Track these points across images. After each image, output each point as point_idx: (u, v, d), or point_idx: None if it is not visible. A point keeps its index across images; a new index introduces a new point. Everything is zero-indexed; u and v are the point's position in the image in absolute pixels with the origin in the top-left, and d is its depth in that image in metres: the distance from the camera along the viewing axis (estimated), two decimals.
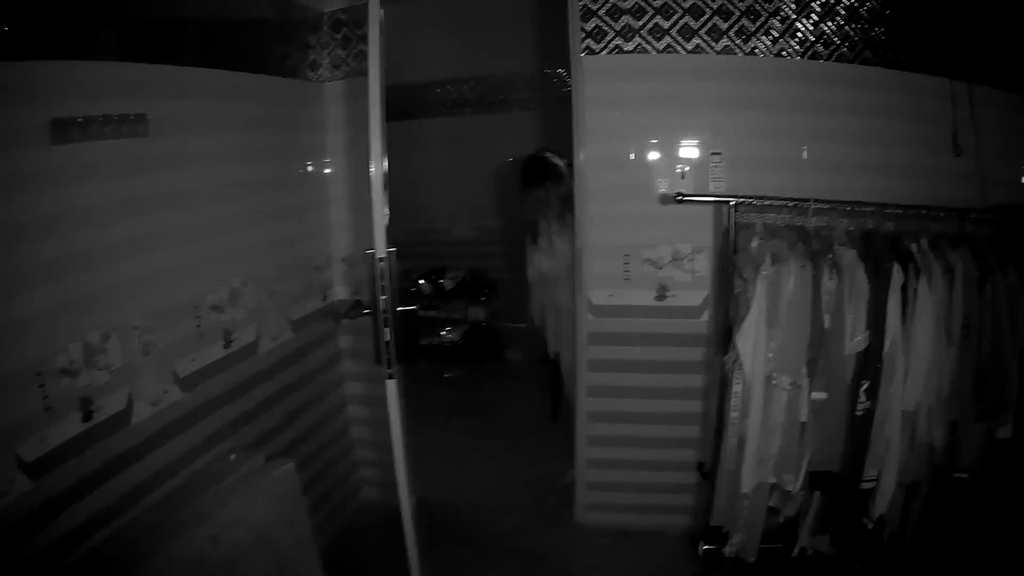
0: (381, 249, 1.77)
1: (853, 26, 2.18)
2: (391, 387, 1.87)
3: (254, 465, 1.95)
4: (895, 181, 2.22)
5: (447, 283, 4.53)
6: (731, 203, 2.04)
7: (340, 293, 2.65)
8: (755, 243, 1.99)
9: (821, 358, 1.93)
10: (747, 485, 1.98)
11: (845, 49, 2.19)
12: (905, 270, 1.95)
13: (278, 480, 1.93)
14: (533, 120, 4.35)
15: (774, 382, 1.94)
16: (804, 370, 1.93)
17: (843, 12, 2.17)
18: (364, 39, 2.27)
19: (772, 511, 2.16)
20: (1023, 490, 2.21)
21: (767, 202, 2.04)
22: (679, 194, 2.07)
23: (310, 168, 2.52)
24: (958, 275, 1.99)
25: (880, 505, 2.04)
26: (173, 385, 1.83)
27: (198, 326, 1.92)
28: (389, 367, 1.86)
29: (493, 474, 3.13)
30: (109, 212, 1.62)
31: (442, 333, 4.57)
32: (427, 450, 3.18)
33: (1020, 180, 2.29)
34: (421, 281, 4.56)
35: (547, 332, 3.02)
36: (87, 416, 1.55)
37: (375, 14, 1.73)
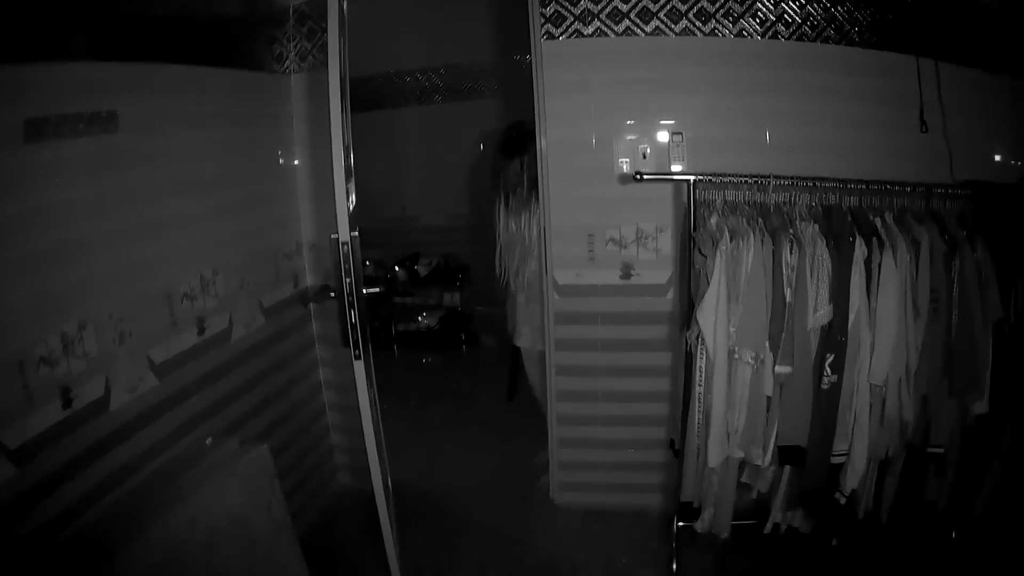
0: (344, 233, 1.93)
1: (815, 5, 2.31)
2: (359, 369, 2.02)
3: (229, 449, 2.14)
4: (861, 161, 2.36)
5: (421, 269, 4.78)
6: (690, 180, 2.16)
7: (311, 280, 2.85)
8: (714, 219, 2.13)
9: (784, 332, 2.05)
10: (714, 459, 2.12)
11: (807, 28, 2.32)
12: (868, 244, 2.07)
13: (252, 463, 2.12)
14: (502, 107, 4.59)
15: (736, 356, 2.08)
16: (767, 344, 2.06)
17: None
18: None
19: (746, 487, 2.32)
20: (999, 465, 2.40)
21: (727, 179, 2.16)
22: (638, 173, 2.19)
23: (279, 159, 2.71)
24: (924, 249, 2.10)
25: (851, 480, 2.15)
26: (149, 372, 2.01)
27: (171, 315, 2.11)
28: (356, 349, 2.04)
29: (468, 457, 3.36)
30: (83, 207, 1.80)
31: (418, 319, 4.83)
32: (403, 435, 3.41)
33: (988, 157, 2.41)
34: (396, 268, 4.81)
35: (508, 313, 3.18)
36: (67, 403, 1.72)
37: (334, 6, 1.94)
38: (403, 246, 5.00)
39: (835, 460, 2.16)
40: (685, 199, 2.19)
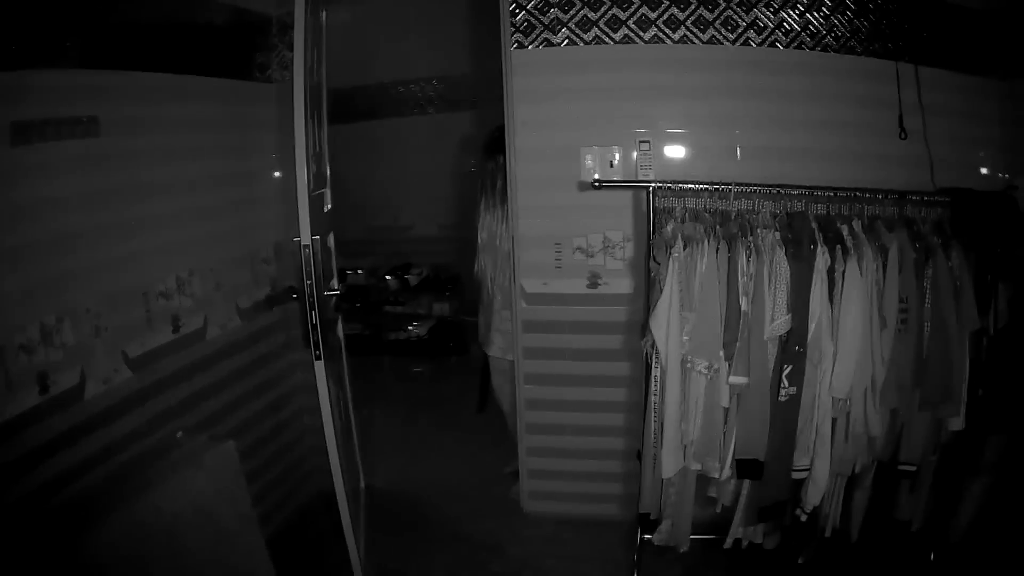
0: (306, 236, 2.02)
1: (790, 11, 2.31)
2: (319, 369, 2.13)
3: (196, 443, 2.23)
4: (838, 166, 2.35)
5: (411, 279, 4.88)
6: (649, 188, 2.17)
7: (287, 284, 2.93)
8: (670, 226, 2.11)
9: (739, 341, 2.04)
10: (668, 471, 2.09)
11: (779, 34, 2.32)
12: (832, 252, 2.04)
13: (218, 457, 2.20)
14: (492, 117, 4.66)
15: (688, 365, 2.06)
16: (721, 353, 2.04)
17: None
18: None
19: (711, 500, 2.29)
20: (982, 483, 2.31)
21: (687, 187, 2.16)
22: (596, 181, 2.22)
23: (258, 164, 2.81)
24: (892, 256, 2.05)
25: (813, 496, 2.11)
26: (123, 365, 2.13)
27: (147, 311, 2.23)
28: (316, 349, 2.11)
29: (447, 464, 3.41)
30: (64, 205, 1.93)
31: (408, 328, 4.91)
32: (385, 441, 3.54)
33: (972, 164, 2.37)
34: (387, 277, 4.91)
35: (480, 321, 3.19)
36: (43, 389, 1.85)
37: (300, 18, 2.05)
38: (395, 255, 5.11)
39: (796, 475, 2.12)
40: (644, 206, 2.20)
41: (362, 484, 3.11)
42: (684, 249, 2.06)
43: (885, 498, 2.25)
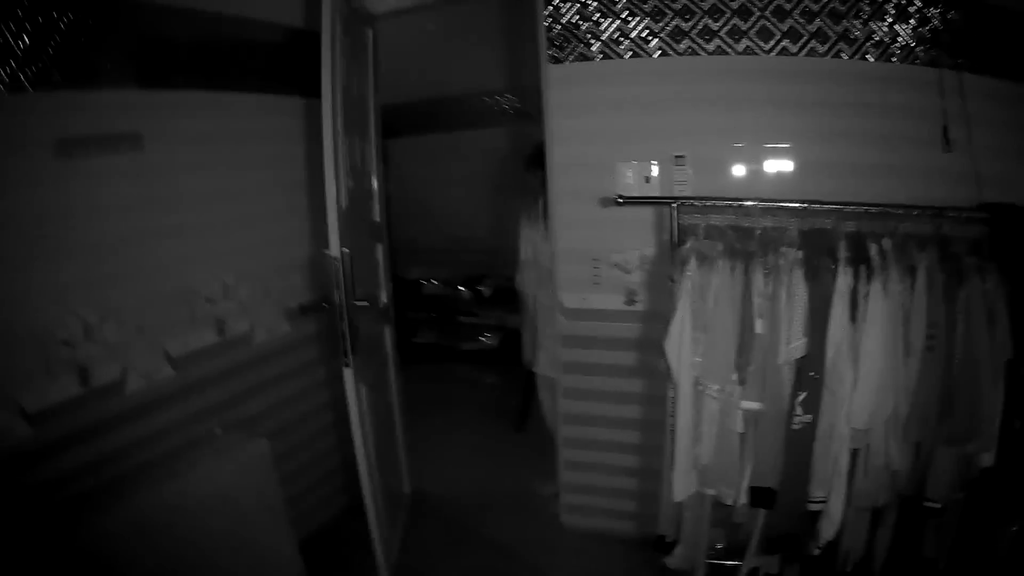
0: (335, 249, 2.15)
1: (826, 19, 2.23)
2: (348, 376, 2.23)
3: (232, 439, 2.41)
4: (879, 182, 2.24)
5: (484, 290, 4.94)
6: (673, 205, 2.17)
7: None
8: (688, 244, 2.10)
9: (752, 365, 2.02)
10: (680, 494, 2.08)
11: (816, 43, 2.25)
12: (856, 272, 1.98)
13: (250, 451, 2.36)
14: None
15: (700, 388, 2.05)
16: (734, 377, 2.02)
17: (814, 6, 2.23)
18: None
19: (736, 526, 2.27)
20: (1018, 526, 2.18)
21: (710, 203, 2.15)
22: (620, 196, 2.23)
23: (304, 175, 2.86)
24: (920, 278, 1.97)
25: (827, 530, 2.05)
26: (165, 363, 2.30)
27: (191, 313, 2.39)
28: (346, 357, 2.22)
29: (498, 472, 3.47)
30: (109, 212, 2.11)
31: (481, 338, 5.00)
32: (442, 447, 3.66)
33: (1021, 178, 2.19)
34: (461, 287, 5.00)
35: (524, 337, 3.23)
36: (84, 381, 2.04)
37: (327, 31, 2.11)
38: (470, 265, 5.16)
39: (813, 507, 2.07)
40: (667, 223, 2.20)
41: (407, 489, 3.21)
42: (698, 268, 2.05)
43: (911, 534, 2.17)
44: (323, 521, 3.00)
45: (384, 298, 2.89)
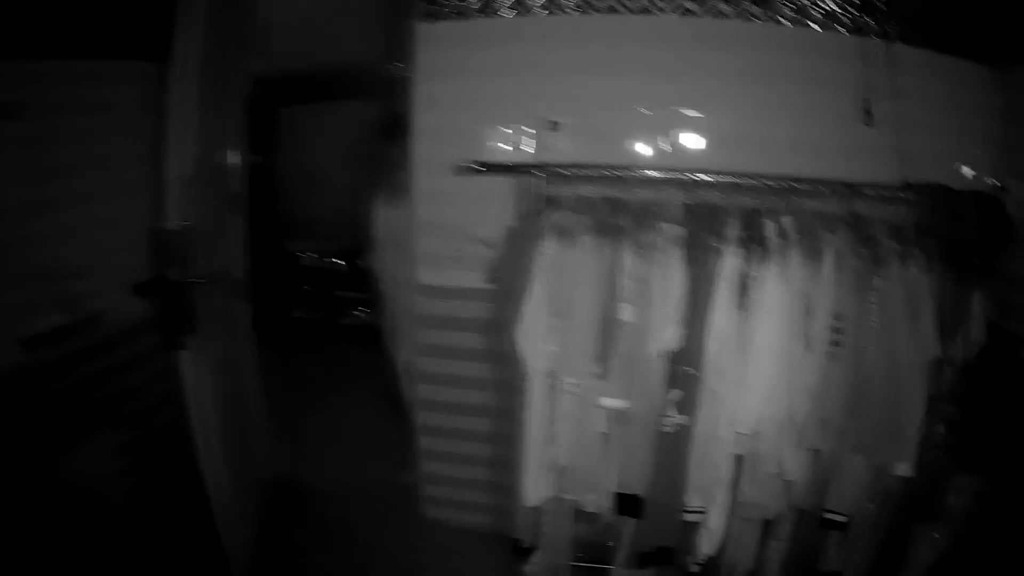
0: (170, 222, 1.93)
1: None
2: (183, 358, 2.04)
3: None
4: (798, 156, 1.96)
5: (361, 263, 4.49)
6: (536, 173, 1.84)
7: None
8: (545, 216, 1.77)
9: (616, 357, 1.72)
10: (532, 498, 1.82)
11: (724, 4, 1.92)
12: (746, 253, 1.67)
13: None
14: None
15: (554, 381, 1.75)
16: (594, 370, 1.73)
17: None
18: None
19: (605, 535, 1.99)
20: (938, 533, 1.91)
21: (582, 172, 1.83)
22: (475, 163, 1.93)
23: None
24: (828, 264, 1.67)
25: (707, 543, 1.80)
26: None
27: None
28: (175, 337, 2.03)
29: (370, 459, 3.16)
30: None
31: (356, 312, 4.73)
32: (316, 433, 3.40)
33: (951, 158, 1.96)
34: (336, 260, 4.74)
35: (384, 321, 2.98)
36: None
37: None
38: (355, 239, 4.73)
39: (689, 517, 1.80)
40: (530, 193, 1.88)
41: (269, 478, 2.92)
42: (559, 244, 1.73)
43: (809, 548, 1.90)
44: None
45: (239, 273, 2.61)
